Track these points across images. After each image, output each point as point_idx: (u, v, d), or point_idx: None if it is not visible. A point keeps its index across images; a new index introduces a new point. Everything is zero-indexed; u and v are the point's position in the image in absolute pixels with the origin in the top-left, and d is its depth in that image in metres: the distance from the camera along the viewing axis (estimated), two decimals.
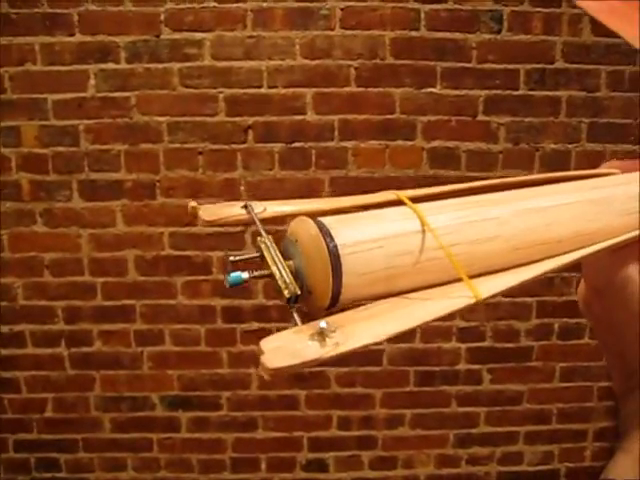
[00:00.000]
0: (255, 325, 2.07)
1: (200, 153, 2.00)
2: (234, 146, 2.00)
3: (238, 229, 1.93)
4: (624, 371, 0.49)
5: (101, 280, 2.07)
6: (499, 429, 2.22)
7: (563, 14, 1.96)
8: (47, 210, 2.02)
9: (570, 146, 2.03)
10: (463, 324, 2.13)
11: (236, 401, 2.16)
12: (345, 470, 2.24)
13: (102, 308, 2.08)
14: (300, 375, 2.13)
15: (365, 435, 2.21)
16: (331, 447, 2.22)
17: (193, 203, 0.46)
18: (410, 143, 2.02)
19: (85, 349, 2.11)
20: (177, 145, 2.00)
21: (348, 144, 2.01)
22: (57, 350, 2.11)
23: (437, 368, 2.17)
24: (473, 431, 2.22)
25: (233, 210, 0.47)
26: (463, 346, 2.15)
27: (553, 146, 2.03)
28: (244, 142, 2.00)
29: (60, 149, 1.99)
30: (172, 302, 2.08)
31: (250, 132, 2.00)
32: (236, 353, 2.10)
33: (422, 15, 1.94)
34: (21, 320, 2.09)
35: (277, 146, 2.01)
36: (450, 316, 0.39)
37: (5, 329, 2.09)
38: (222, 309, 2.08)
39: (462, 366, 2.17)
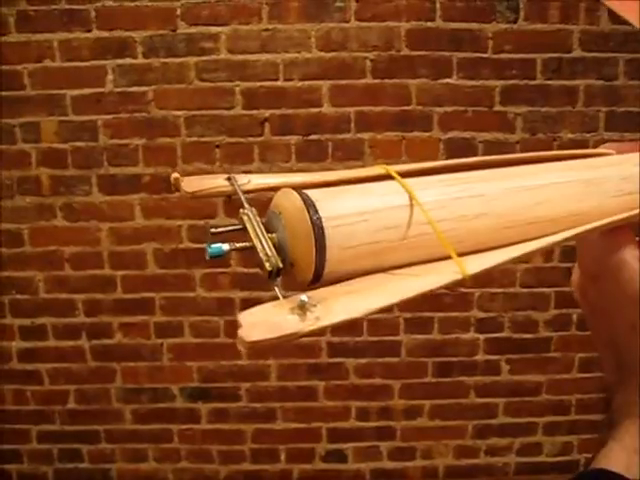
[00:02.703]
0: None
1: (217, 146, 2.01)
2: (251, 139, 2.01)
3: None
4: (615, 362, 0.49)
5: (121, 273, 2.09)
6: (518, 420, 2.22)
7: (580, 2, 1.94)
8: (67, 204, 2.05)
9: (588, 135, 2.02)
10: (481, 315, 2.13)
11: (255, 392, 2.18)
12: (364, 461, 2.24)
13: (122, 301, 2.10)
14: (318, 366, 2.15)
15: (384, 426, 2.22)
16: (350, 438, 2.23)
17: (175, 174, 0.45)
18: (427, 134, 2.01)
19: (106, 341, 2.13)
20: (194, 139, 2.01)
21: (364, 136, 2.01)
22: (78, 342, 2.13)
23: (455, 359, 2.16)
24: (492, 422, 2.22)
25: (216, 182, 0.46)
26: (481, 337, 2.15)
27: (570, 136, 2.01)
28: (261, 135, 2.01)
29: (79, 144, 2.01)
30: (191, 294, 2.10)
31: (267, 125, 2.01)
32: None
33: (437, 5, 1.93)
34: (43, 313, 2.12)
35: (293, 138, 2.01)
36: (435, 291, 0.38)
37: (27, 322, 2.12)
38: (241, 301, 2.09)
39: (480, 357, 2.17)
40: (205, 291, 2.10)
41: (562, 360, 2.17)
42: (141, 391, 2.18)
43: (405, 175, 0.43)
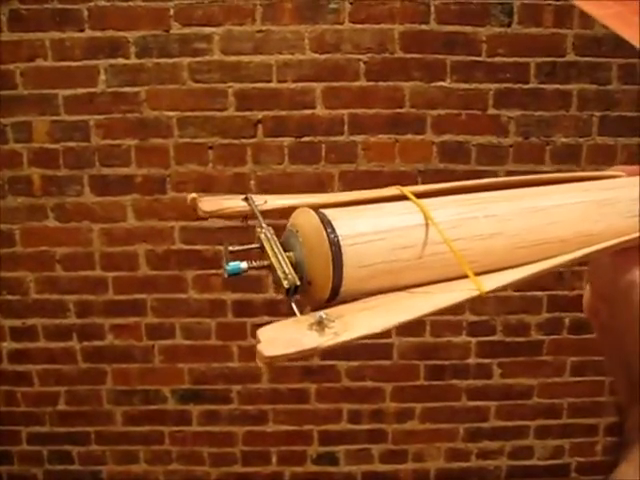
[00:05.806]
0: (266, 319, 2.07)
1: (210, 148, 2.01)
2: (244, 140, 2.01)
3: (250, 223, 1.95)
4: (627, 382, 0.49)
5: (112, 274, 2.08)
6: (509, 423, 2.22)
7: (574, 6, 1.94)
8: (58, 205, 2.04)
9: (581, 140, 2.02)
10: (473, 318, 2.13)
11: (247, 394, 2.17)
12: (355, 463, 2.24)
13: (113, 302, 2.10)
14: (310, 369, 2.14)
15: (375, 429, 2.21)
16: (341, 441, 2.22)
17: (193, 195, 0.46)
18: (420, 137, 2.01)
19: (97, 343, 2.12)
20: (187, 140, 2.00)
21: (358, 138, 2.01)
22: (69, 344, 2.12)
23: (447, 362, 2.16)
24: (483, 425, 2.22)
25: (233, 202, 0.46)
26: (473, 340, 2.15)
27: (564, 140, 2.02)
28: (254, 136, 2.01)
29: (71, 144, 2.00)
30: (183, 296, 2.09)
31: (260, 126, 2.00)
32: (247, 347, 2.10)
33: (432, 8, 1.93)
34: (33, 314, 2.10)
35: (287, 140, 2.01)
36: (451, 309, 0.38)
37: (18, 323, 2.11)
38: (233, 303, 2.08)
39: (472, 360, 2.16)
40: (197, 293, 2.09)
41: (554, 363, 2.17)
42: (132, 393, 2.17)
43: (419, 196, 0.44)
